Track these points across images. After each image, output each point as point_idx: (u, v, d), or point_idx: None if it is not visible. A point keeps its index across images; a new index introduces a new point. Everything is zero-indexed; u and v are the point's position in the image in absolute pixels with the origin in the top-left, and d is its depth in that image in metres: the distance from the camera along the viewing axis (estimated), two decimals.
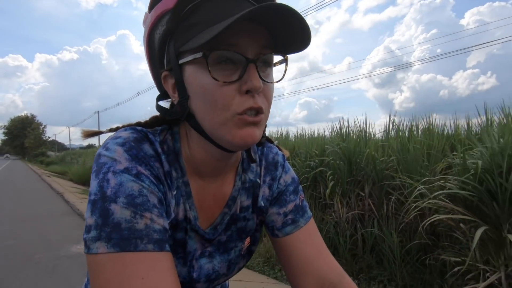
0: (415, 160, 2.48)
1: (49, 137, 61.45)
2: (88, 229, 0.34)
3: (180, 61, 0.38)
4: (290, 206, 0.51)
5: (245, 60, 0.36)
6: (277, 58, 0.42)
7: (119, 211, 0.34)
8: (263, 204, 0.51)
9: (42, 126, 57.36)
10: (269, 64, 0.40)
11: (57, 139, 68.59)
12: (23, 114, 58.14)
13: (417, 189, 2.11)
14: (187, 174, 0.44)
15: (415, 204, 2.05)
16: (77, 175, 12.77)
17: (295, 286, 0.49)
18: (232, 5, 0.37)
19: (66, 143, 56.44)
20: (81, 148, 32.42)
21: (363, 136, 3.30)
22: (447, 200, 1.95)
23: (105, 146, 0.39)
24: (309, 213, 0.53)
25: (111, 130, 0.45)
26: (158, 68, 0.43)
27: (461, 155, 2.03)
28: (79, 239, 3.62)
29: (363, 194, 2.76)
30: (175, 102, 0.41)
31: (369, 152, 2.77)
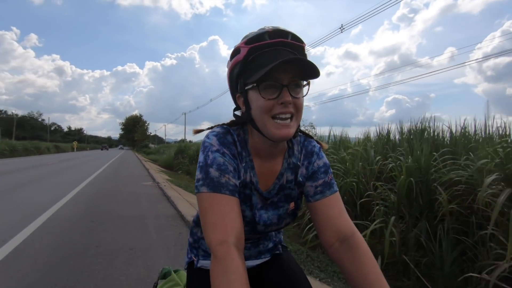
0: None
1: (151, 133, 75.83)
2: (197, 180, 0.64)
3: (246, 88, 0.65)
4: (320, 181, 0.72)
5: (280, 85, 0.61)
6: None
7: (213, 172, 0.63)
8: (301, 180, 0.74)
9: (147, 124, 71.40)
10: (298, 85, 0.63)
11: (157, 134, 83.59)
12: (134, 114, 73.52)
13: None
14: (252, 154, 0.71)
15: None
16: (163, 162, 17.87)
17: (320, 235, 0.70)
18: (274, 54, 0.62)
19: (166, 137, 68.35)
20: (175, 142, 37.15)
21: None
22: None
23: (207, 136, 0.69)
24: (335, 188, 0.73)
25: (209, 128, 0.74)
26: (235, 91, 0.71)
27: None
28: (145, 180, 7.20)
29: None
30: (244, 112, 0.69)
31: None
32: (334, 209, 0.69)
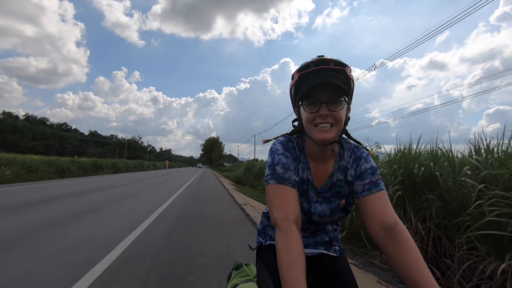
0: None
1: (226, 153, 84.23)
2: (266, 176, 0.85)
3: (299, 104, 0.86)
4: (367, 181, 0.86)
5: (319, 102, 0.80)
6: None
7: (279, 169, 0.84)
8: (350, 179, 0.89)
9: (222, 145, 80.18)
10: (336, 101, 0.81)
11: (232, 153, 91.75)
12: (212, 136, 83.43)
13: None
14: (308, 157, 0.91)
15: None
16: (233, 178, 21.86)
17: (367, 226, 0.82)
18: (316, 79, 0.81)
19: (239, 156, 75.04)
20: (248, 161, 39.80)
21: None
22: None
23: (274, 143, 0.92)
24: (382, 187, 0.85)
25: (275, 138, 0.96)
26: (294, 106, 0.93)
27: None
28: (219, 186, 10.65)
29: None
30: (299, 122, 0.92)
31: None
32: (379, 203, 0.81)
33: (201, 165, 77.57)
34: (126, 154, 67.47)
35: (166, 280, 2.36)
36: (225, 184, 14.42)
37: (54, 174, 17.39)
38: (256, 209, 6.38)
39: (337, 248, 1.04)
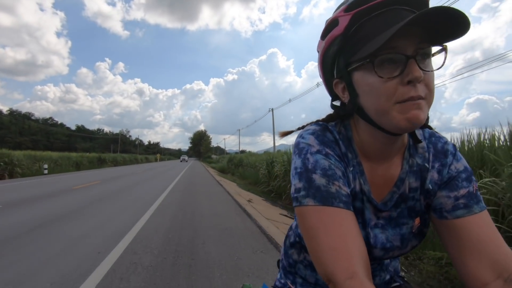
0: None
1: (213, 145, 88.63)
2: (298, 190, 0.49)
3: (350, 69, 0.48)
4: (463, 191, 0.51)
5: (404, 57, 0.42)
6: (435, 48, 0.45)
7: (318, 179, 0.48)
8: (431, 187, 0.53)
9: (210, 138, 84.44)
10: (428, 55, 0.44)
11: (220, 145, 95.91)
12: (200, 129, 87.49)
13: None
14: (359, 156, 0.54)
15: None
16: (218, 167, 26.57)
17: (465, 268, 0.47)
18: (391, 16, 0.44)
19: (226, 148, 79.07)
20: (236, 153, 41.30)
21: None
22: None
23: (301, 136, 0.54)
24: (483, 204, 0.50)
25: (299, 129, 0.60)
26: (330, 78, 0.55)
27: None
28: (206, 171, 15.42)
29: None
30: (345, 101, 0.52)
31: None
32: (487, 231, 0.47)
33: (186, 157, 64.33)
34: (115, 148, 70.65)
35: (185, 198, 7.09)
36: (211, 172, 19.13)
37: (72, 167, 21.61)
38: (227, 184, 11.14)
39: (398, 278, 0.69)
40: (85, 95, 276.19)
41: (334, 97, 0.58)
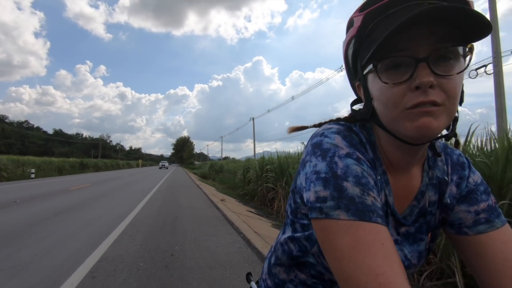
0: None
1: (196, 152, 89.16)
2: (323, 199, 0.38)
3: (364, 72, 0.45)
4: (483, 205, 0.48)
5: (414, 60, 0.38)
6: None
7: (351, 188, 0.38)
8: (449, 201, 0.50)
9: (193, 144, 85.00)
10: (447, 57, 0.38)
11: (203, 152, 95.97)
12: (183, 135, 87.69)
13: None
14: (384, 163, 0.48)
15: None
16: (200, 173, 27.83)
17: (490, 286, 0.44)
18: (403, 13, 0.38)
19: (210, 154, 79.38)
20: (219, 159, 42.25)
21: None
22: None
23: (323, 134, 0.44)
24: (504, 218, 0.48)
25: (315, 126, 0.53)
26: (353, 79, 0.51)
27: None
28: (188, 177, 16.81)
29: None
30: (364, 104, 0.48)
31: None
32: None
33: (166, 163, 51.86)
34: (95, 153, 69.70)
35: (170, 189, 8.55)
36: (192, 177, 20.46)
37: (55, 172, 22.20)
38: (206, 187, 12.59)
39: None
40: (63, 98, 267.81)
41: (358, 99, 0.54)
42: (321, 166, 0.41)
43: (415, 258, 0.50)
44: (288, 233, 0.54)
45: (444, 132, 0.46)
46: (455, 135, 0.47)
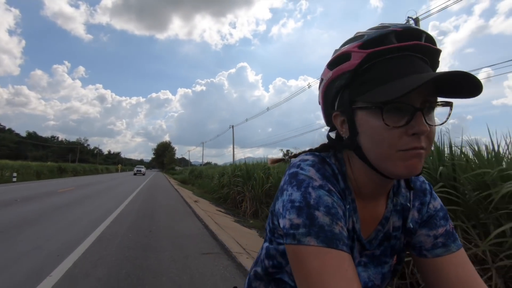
0: None
1: (177, 157, 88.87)
2: (296, 227, 0.43)
3: (354, 106, 0.46)
4: (441, 230, 0.53)
5: (413, 108, 0.42)
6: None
7: (322, 217, 0.42)
8: (412, 226, 0.55)
9: (174, 150, 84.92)
10: (433, 108, 0.45)
11: (185, 157, 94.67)
12: (164, 140, 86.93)
13: None
14: (353, 193, 0.52)
15: None
16: (179, 178, 28.81)
17: None
18: (405, 64, 0.42)
19: (192, 160, 78.68)
20: (200, 165, 42.87)
21: None
22: None
23: (299, 166, 0.48)
24: (460, 242, 0.52)
25: (291, 157, 0.58)
26: (330, 108, 0.53)
27: None
28: (168, 183, 17.99)
29: None
30: (344, 136, 0.50)
31: None
32: (465, 269, 0.49)
33: (143, 169, 42.15)
34: (72, 157, 68.16)
35: (150, 190, 9.85)
36: (172, 182, 21.58)
37: (33, 176, 22.51)
38: (184, 191, 13.85)
39: None
40: (38, 99, 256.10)
41: (332, 127, 0.57)
42: (296, 195, 0.45)
43: (378, 280, 0.54)
44: (265, 249, 0.57)
45: None
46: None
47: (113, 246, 3.71)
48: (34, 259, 3.12)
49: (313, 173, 0.47)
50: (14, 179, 17.49)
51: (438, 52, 0.46)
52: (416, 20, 8.92)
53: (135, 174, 38.40)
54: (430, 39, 0.45)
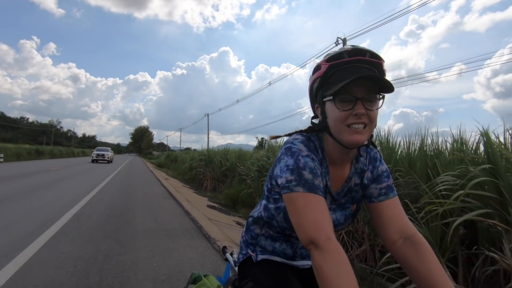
0: None
1: (155, 142, 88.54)
2: (289, 181, 0.67)
3: (324, 100, 0.72)
4: (384, 184, 0.79)
5: (355, 98, 0.67)
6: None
7: (307, 174, 0.67)
8: (366, 182, 0.81)
9: (152, 134, 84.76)
10: (372, 99, 0.68)
11: (164, 142, 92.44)
12: (142, 125, 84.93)
13: None
14: (328, 160, 0.78)
15: None
16: (156, 163, 30.60)
17: (383, 234, 0.75)
18: (351, 71, 0.68)
19: (171, 145, 76.10)
20: (180, 150, 42.92)
21: None
22: None
23: (292, 142, 0.74)
24: (395, 192, 0.79)
25: (287, 135, 0.84)
26: (314, 102, 0.79)
27: None
28: (144, 165, 20.11)
29: None
30: (320, 120, 0.77)
31: None
32: (397, 209, 0.76)
33: (108, 153, 23.17)
34: (46, 140, 66.40)
35: (129, 175, 12.09)
36: (148, 165, 23.50)
37: (13, 158, 23.50)
38: (158, 173, 15.96)
39: None
40: (4, 76, 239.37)
41: (315, 115, 0.81)
42: (290, 161, 0.70)
43: (342, 219, 0.81)
44: (263, 204, 0.86)
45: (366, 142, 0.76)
46: (372, 143, 0.81)
47: (107, 196, 6.22)
48: (60, 202, 5.42)
49: (302, 147, 0.72)
50: (1, 160, 18.69)
51: (380, 64, 0.70)
52: (344, 40, 11.46)
53: (94, 160, 23.05)
54: (373, 55, 0.69)
